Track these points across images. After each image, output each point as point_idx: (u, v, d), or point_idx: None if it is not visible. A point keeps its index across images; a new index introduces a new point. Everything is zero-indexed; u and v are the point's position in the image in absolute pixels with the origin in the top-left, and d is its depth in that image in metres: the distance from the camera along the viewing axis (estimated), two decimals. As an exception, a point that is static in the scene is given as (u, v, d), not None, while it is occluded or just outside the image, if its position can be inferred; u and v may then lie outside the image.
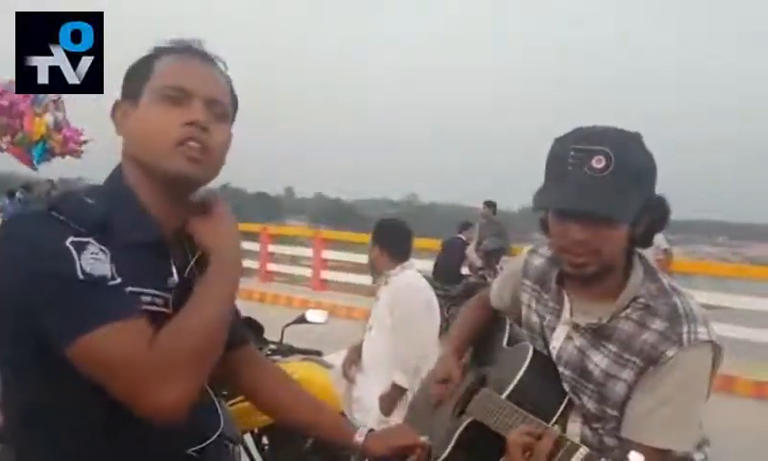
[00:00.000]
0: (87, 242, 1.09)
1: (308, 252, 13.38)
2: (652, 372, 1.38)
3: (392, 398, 3.29)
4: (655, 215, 1.43)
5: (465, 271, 9.97)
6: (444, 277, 9.44)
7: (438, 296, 3.77)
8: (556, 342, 1.54)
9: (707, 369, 1.38)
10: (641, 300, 1.43)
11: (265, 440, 3.46)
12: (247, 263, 11.36)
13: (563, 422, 1.48)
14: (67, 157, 14.27)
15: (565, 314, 1.53)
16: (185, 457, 1.25)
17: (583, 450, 1.22)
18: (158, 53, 1.24)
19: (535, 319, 1.62)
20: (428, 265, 9.49)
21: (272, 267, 13.73)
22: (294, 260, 14.62)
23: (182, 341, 1.11)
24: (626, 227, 1.39)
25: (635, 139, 1.39)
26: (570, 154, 1.36)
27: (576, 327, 1.50)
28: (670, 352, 1.35)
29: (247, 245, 11.84)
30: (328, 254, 13.00)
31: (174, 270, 1.23)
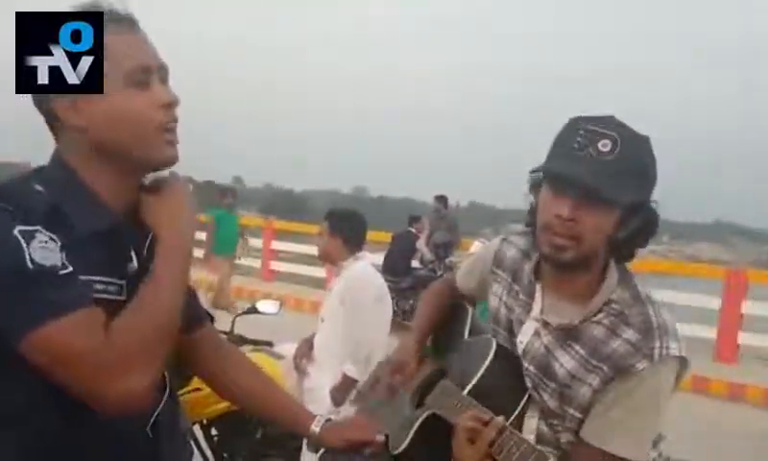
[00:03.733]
0: (36, 230, 1.04)
1: (257, 242, 13.23)
2: (619, 381, 1.37)
3: (343, 389, 3.29)
4: (643, 222, 1.41)
5: (415, 264, 10.04)
6: (394, 269, 9.49)
7: (388, 288, 3.78)
8: (523, 337, 1.52)
9: (672, 382, 1.39)
10: (615, 305, 1.42)
11: (214, 431, 3.43)
12: (196, 253, 11.15)
13: (520, 416, 1.48)
14: None
15: (536, 310, 1.51)
16: (140, 437, 1.23)
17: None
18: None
19: (503, 310, 1.60)
20: (378, 258, 9.49)
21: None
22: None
23: (135, 331, 1.09)
24: (613, 218, 1.38)
25: (644, 140, 1.39)
26: (579, 133, 1.36)
27: (546, 324, 1.49)
28: (640, 366, 1.35)
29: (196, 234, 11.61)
30: (278, 245, 12.87)
31: (133, 255, 1.20)
